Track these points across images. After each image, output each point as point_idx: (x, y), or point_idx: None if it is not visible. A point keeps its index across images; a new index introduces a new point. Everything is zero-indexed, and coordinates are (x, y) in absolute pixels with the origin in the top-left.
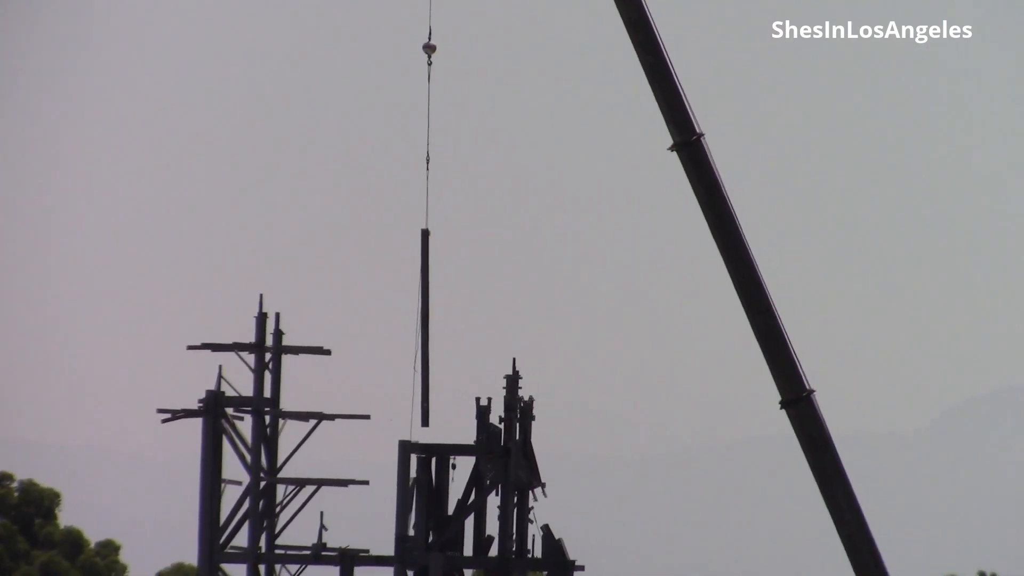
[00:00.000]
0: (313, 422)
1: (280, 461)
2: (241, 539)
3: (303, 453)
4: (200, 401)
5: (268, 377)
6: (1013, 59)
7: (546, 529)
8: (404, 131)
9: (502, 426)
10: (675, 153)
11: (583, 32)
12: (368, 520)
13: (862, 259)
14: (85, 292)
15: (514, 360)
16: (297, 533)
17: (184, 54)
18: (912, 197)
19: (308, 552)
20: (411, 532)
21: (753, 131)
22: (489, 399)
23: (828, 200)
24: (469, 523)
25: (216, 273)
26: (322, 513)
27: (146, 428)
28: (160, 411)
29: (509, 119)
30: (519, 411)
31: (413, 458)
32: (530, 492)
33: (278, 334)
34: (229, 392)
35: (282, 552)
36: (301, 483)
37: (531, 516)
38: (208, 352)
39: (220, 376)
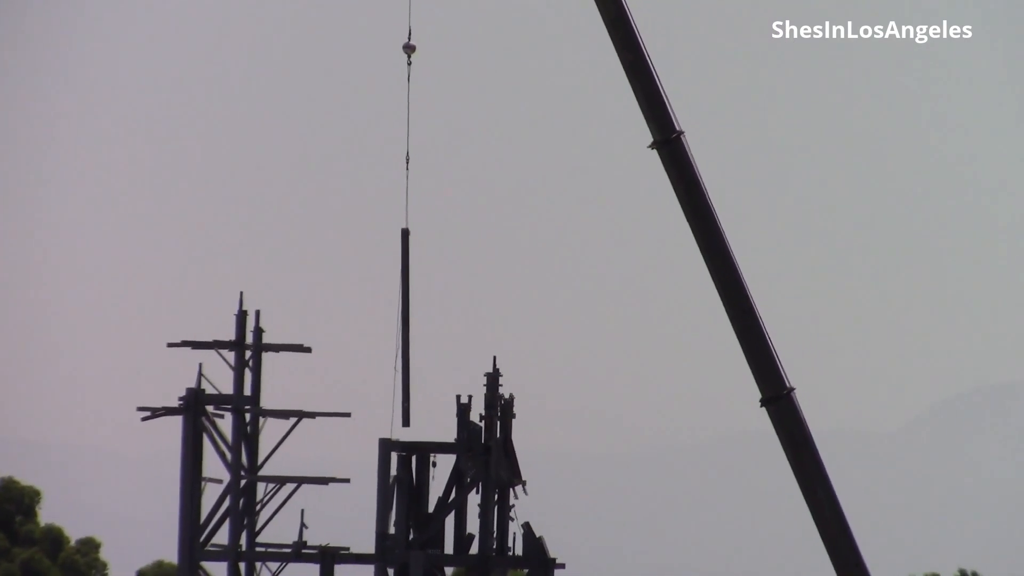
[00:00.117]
0: (293, 420)
1: (260, 459)
2: (222, 537)
3: (283, 451)
4: (180, 399)
5: (248, 375)
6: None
7: (527, 527)
8: (384, 131)
9: (483, 424)
10: (655, 151)
11: (563, 31)
12: (349, 518)
13: (843, 259)
14: (65, 290)
15: (494, 358)
16: (277, 531)
17: (165, 55)
18: (903, 197)
19: (288, 550)
20: (392, 530)
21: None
22: (469, 397)
23: (819, 200)
24: (450, 521)
25: (196, 271)
26: (303, 511)
27: (126, 426)
28: (140, 409)
29: (489, 119)
30: (499, 409)
31: (394, 456)
32: (511, 490)
33: (258, 332)
34: (209, 390)
35: (262, 550)
36: (281, 481)
37: (512, 514)
38: (188, 350)
39: (200, 374)
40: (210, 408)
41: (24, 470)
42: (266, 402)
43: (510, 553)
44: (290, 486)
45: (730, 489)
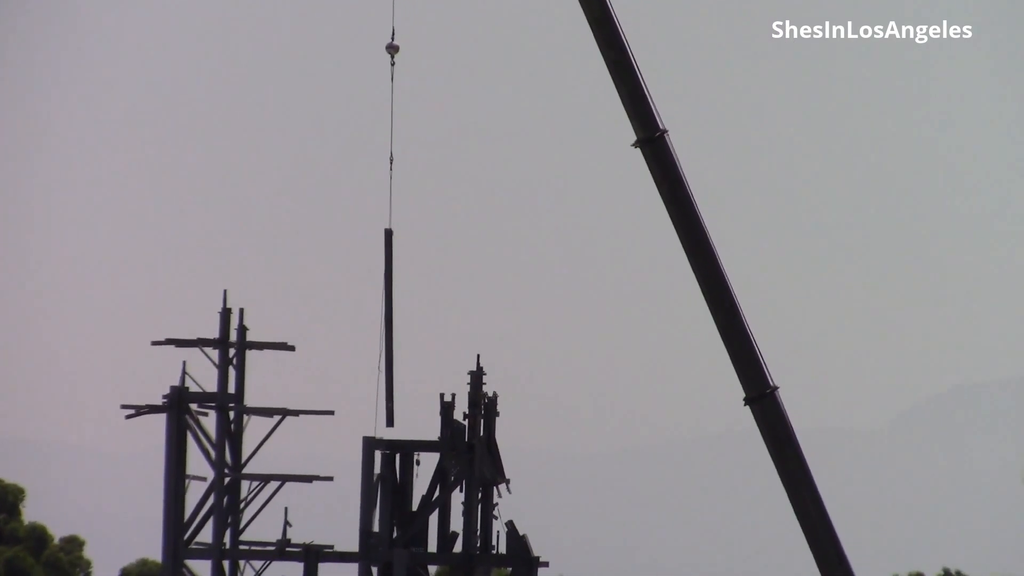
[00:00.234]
0: (277, 418)
1: (244, 457)
2: (206, 535)
3: (267, 449)
4: (164, 397)
5: (232, 373)
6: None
7: (510, 525)
8: (368, 131)
9: (466, 422)
10: (639, 149)
11: (547, 31)
12: (333, 516)
13: (829, 257)
14: (49, 289)
15: (478, 356)
16: (261, 529)
17: (149, 55)
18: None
19: (273, 548)
20: (375, 528)
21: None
22: (453, 395)
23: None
24: (433, 519)
25: (180, 269)
26: (286, 509)
27: (110, 424)
28: (124, 407)
29: (472, 119)
30: (483, 407)
31: (377, 454)
32: (494, 488)
33: (242, 330)
34: (193, 388)
35: (246, 548)
36: (265, 479)
37: (495, 512)
38: (172, 348)
39: (184, 372)
40: (194, 406)
41: (8, 468)
42: (250, 400)
43: (494, 551)
44: (274, 484)
45: (714, 487)
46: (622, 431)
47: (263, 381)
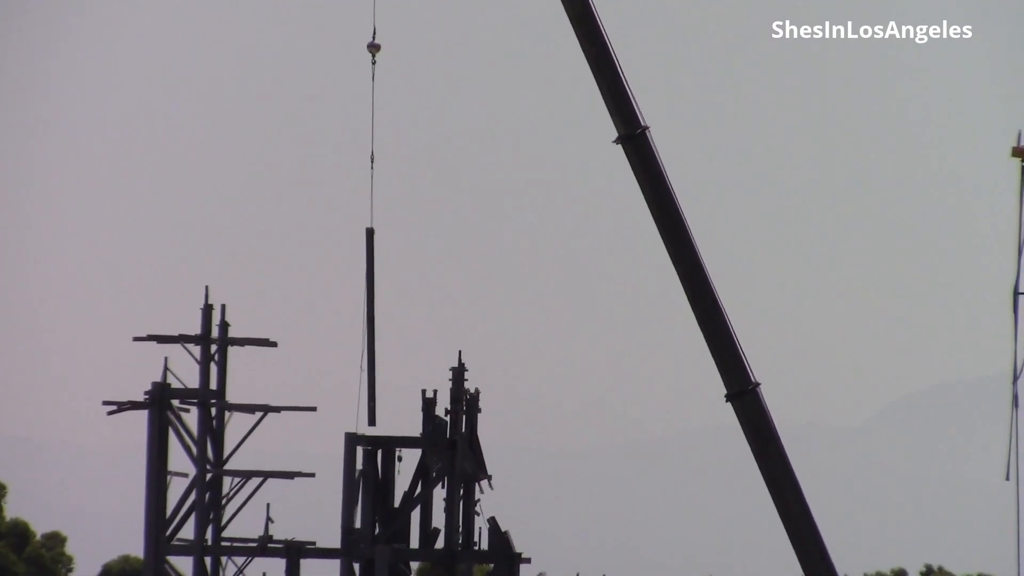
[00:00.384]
0: (259, 414)
1: (226, 453)
2: (187, 531)
3: (249, 445)
4: (146, 393)
5: (214, 369)
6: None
7: (492, 522)
8: (349, 129)
9: (448, 418)
10: (620, 146)
11: (529, 28)
12: (314, 512)
13: (810, 255)
14: (30, 285)
15: (460, 352)
16: (243, 525)
17: (129, 54)
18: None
19: (254, 544)
20: (358, 524)
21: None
22: (435, 391)
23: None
24: (415, 515)
25: (162, 265)
26: (268, 505)
27: (92, 420)
28: (106, 403)
29: (453, 117)
30: (465, 403)
31: (359, 451)
32: (476, 485)
33: (224, 326)
34: (175, 384)
35: (228, 544)
36: (247, 475)
37: (477, 509)
38: (154, 344)
39: (166, 368)
40: (176, 402)
41: None
42: (232, 396)
43: (476, 547)
44: (256, 480)
45: (696, 484)
46: (604, 427)
47: (245, 377)
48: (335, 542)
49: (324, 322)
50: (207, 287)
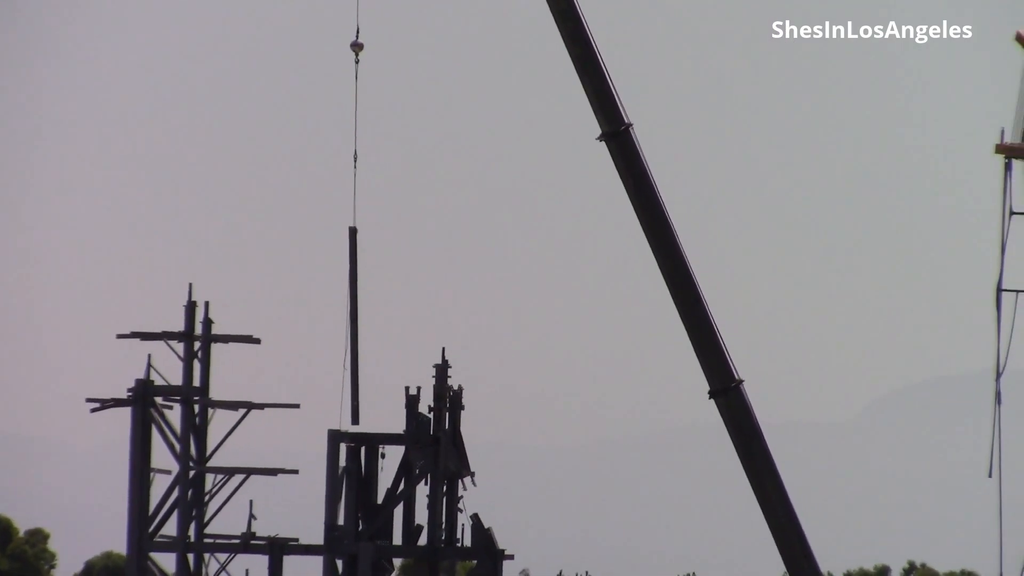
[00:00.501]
0: (242, 411)
1: (209, 450)
2: (171, 528)
3: (232, 442)
4: (129, 390)
5: (197, 366)
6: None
7: (476, 518)
8: (332, 128)
9: (431, 415)
10: (603, 143)
11: (513, 27)
12: (298, 509)
13: (794, 251)
14: (13, 281)
15: (443, 349)
16: (227, 522)
17: (111, 52)
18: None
19: (238, 541)
20: (341, 521)
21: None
22: (418, 388)
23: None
24: (399, 512)
25: (146, 262)
26: (251, 502)
27: (75, 417)
28: (89, 400)
29: (436, 115)
30: (448, 400)
31: (343, 447)
32: (460, 481)
33: (207, 323)
34: (158, 381)
35: (211, 541)
36: (230, 472)
37: (460, 505)
38: (137, 341)
39: (149, 365)
40: (159, 399)
41: None
42: (215, 393)
43: (459, 544)
44: (239, 477)
45: (680, 480)
46: (587, 424)
47: (228, 374)
48: (318, 539)
49: (307, 319)
50: (190, 284)
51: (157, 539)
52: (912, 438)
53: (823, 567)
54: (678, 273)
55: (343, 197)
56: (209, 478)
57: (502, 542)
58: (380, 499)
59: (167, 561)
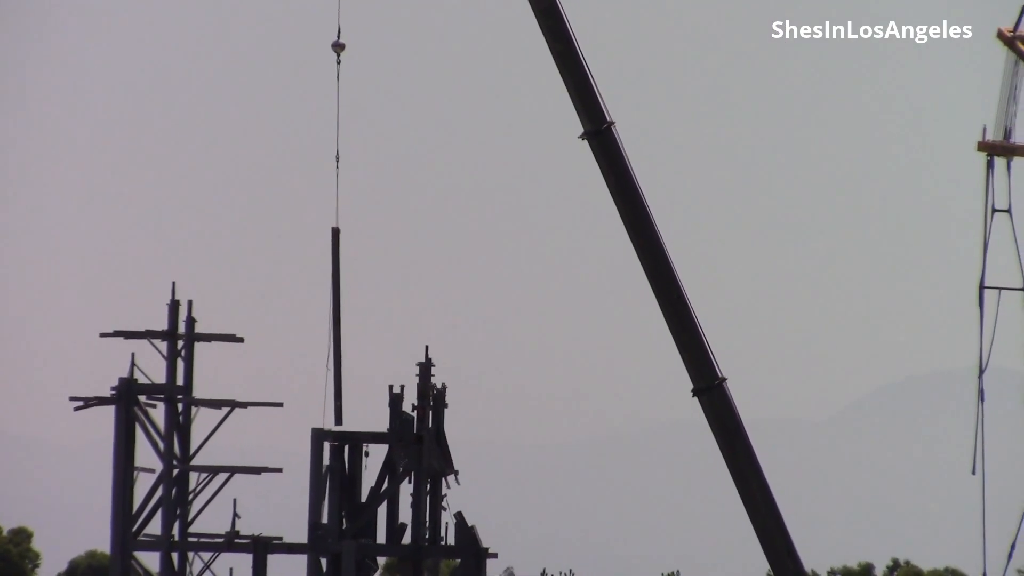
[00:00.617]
0: (226, 410)
1: (193, 449)
2: (155, 527)
3: (216, 441)
4: (113, 389)
5: (181, 365)
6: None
7: (459, 517)
8: (315, 129)
9: (415, 414)
10: (586, 141)
11: (495, 27)
12: (281, 508)
13: (778, 249)
14: None
15: (427, 348)
16: (210, 521)
17: (96, 49)
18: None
19: (221, 540)
20: (324, 520)
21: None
22: (402, 386)
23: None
24: (382, 511)
25: (129, 261)
26: (235, 501)
27: (59, 416)
28: (73, 399)
29: (418, 116)
30: (432, 398)
31: (326, 446)
32: (443, 480)
33: (191, 322)
34: (142, 380)
35: (195, 540)
36: (214, 471)
37: (444, 504)
38: (121, 339)
39: (133, 364)
40: (143, 398)
41: None
42: (199, 392)
43: (442, 543)
44: (223, 476)
45: (663, 478)
46: (570, 422)
47: (212, 373)
48: (302, 537)
49: (291, 318)
50: (174, 283)
51: (141, 538)
52: (895, 435)
53: (807, 565)
54: (660, 271)
55: (326, 197)
56: (193, 477)
57: (486, 540)
58: (364, 498)
59: (151, 560)
